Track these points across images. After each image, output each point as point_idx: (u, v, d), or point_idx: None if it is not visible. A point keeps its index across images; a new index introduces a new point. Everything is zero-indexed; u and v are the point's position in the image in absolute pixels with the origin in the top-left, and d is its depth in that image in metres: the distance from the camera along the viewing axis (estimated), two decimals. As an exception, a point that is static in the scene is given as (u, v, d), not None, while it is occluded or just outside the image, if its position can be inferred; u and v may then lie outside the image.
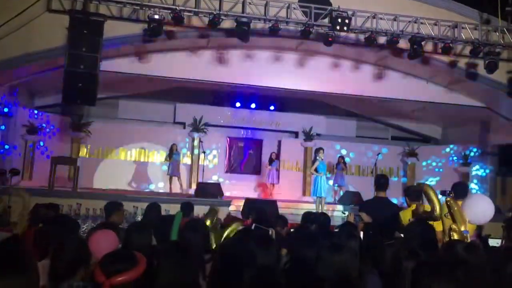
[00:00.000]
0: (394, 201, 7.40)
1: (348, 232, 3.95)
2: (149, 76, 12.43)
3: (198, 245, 3.65)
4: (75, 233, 4.18)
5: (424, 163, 16.93)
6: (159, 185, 15.46)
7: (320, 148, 12.70)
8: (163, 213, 6.54)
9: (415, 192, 5.94)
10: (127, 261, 2.58)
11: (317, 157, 12.54)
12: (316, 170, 12.46)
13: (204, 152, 14.61)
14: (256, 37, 10.69)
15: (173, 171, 14.69)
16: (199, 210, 9.73)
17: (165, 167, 15.13)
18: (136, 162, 15.86)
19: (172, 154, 14.79)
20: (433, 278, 2.44)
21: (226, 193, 13.02)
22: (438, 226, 5.45)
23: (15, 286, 1.63)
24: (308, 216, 6.37)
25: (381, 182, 6.47)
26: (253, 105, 17.17)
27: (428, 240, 4.01)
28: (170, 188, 14.66)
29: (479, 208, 5.27)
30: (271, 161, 15.55)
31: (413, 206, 5.79)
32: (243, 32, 9.95)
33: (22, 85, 12.43)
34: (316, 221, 6.29)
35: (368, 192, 14.30)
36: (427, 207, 5.58)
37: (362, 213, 6.25)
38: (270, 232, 4.40)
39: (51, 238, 3.86)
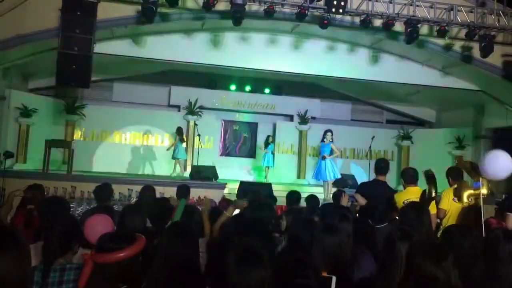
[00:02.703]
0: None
1: (341, 214, 3.97)
2: (143, 58, 12.33)
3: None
4: (65, 212, 4.15)
5: (418, 147, 16.97)
6: (154, 168, 15.45)
7: (327, 130, 12.75)
8: (157, 195, 6.56)
9: (411, 175, 5.97)
10: (122, 241, 2.59)
11: (324, 139, 12.63)
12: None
13: (199, 135, 14.60)
14: (251, 19, 10.62)
15: (179, 154, 14.72)
16: (194, 193, 9.80)
17: (160, 150, 15.17)
18: (130, 145, 15.83)
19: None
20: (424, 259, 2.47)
21: (221, 176, 13.02)
22: (432, 208, 5.50)
23: (4, 261, 1.63)
24: (292, 196, 6.41)
25: (381, 166, 6.50)
26: (248, 88, 17.12)
27: (422, 222, 4.04)
28: (178, 170, 14.72)
29: (499, 163, 5.09)
30: (266, 144, 15.55)
31: (409, 189, 5.83)
32: (237, 15, 9.87)
33: (15, 67, 12.34)
34: (299, 201, 6.35)
35: (362, 175, 14.41)
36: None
37: (357, 195, 6.27)
38: None
39: (41, 219, 3.86)
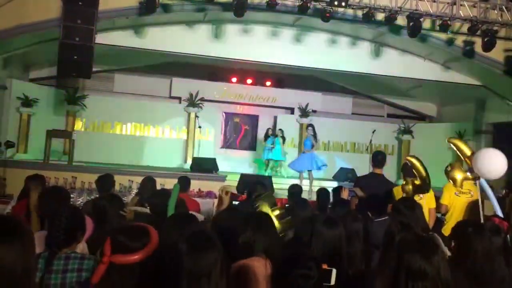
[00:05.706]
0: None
1: (352, 215, 3.94)
2: (144, 49, 12.32)
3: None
4: (66, 202, 4.16)
5: (419, 141, 16.95)
6: (155, 159, 15.44)
7: (308, 125, 13.03)
8: (158, 187, 6.58)
9: (411, 169, 5.97)
10: (140, 237, 2.40)
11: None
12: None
13: (199, 127, 14.60)
14: (253, 11, 10.60)
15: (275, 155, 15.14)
16: (194, 185, 9.83)
17: (160, 141, 15.22)
18: (131, 136, 15.83)
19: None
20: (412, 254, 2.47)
21: (221, 169, 13.04)
22: (431, 203, 5.52)
23: (10, 251, 1.64)
24: (293, 189, 6.41)
25: (378, 158, 6.50)
26: (249, 81, 17.11)
27: (416, 216, 4.05)
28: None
29: (492, 164, 4.99)
30: (266, 137, 15.54)
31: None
32: (239, 7, 9.85)
33: (16, 57, 12.32)
34: (300, 194, 6.35)
35: (363, 169, 14.39)
36: (417, 181, 5.60)
37: (356, 189, 6.29)
38: None
39: (42, 209, 3.88)
